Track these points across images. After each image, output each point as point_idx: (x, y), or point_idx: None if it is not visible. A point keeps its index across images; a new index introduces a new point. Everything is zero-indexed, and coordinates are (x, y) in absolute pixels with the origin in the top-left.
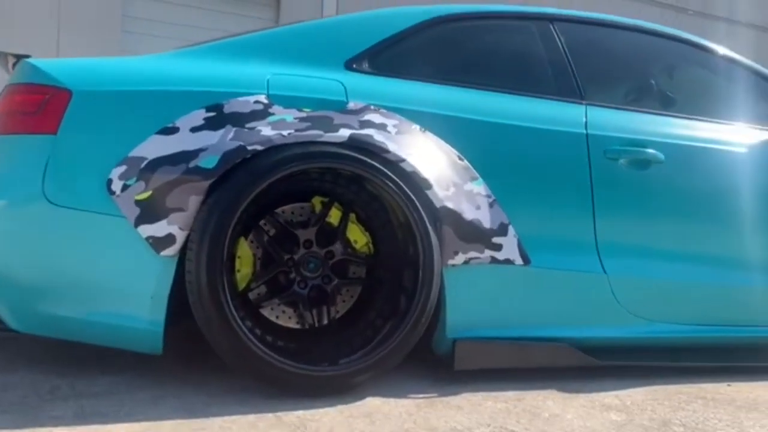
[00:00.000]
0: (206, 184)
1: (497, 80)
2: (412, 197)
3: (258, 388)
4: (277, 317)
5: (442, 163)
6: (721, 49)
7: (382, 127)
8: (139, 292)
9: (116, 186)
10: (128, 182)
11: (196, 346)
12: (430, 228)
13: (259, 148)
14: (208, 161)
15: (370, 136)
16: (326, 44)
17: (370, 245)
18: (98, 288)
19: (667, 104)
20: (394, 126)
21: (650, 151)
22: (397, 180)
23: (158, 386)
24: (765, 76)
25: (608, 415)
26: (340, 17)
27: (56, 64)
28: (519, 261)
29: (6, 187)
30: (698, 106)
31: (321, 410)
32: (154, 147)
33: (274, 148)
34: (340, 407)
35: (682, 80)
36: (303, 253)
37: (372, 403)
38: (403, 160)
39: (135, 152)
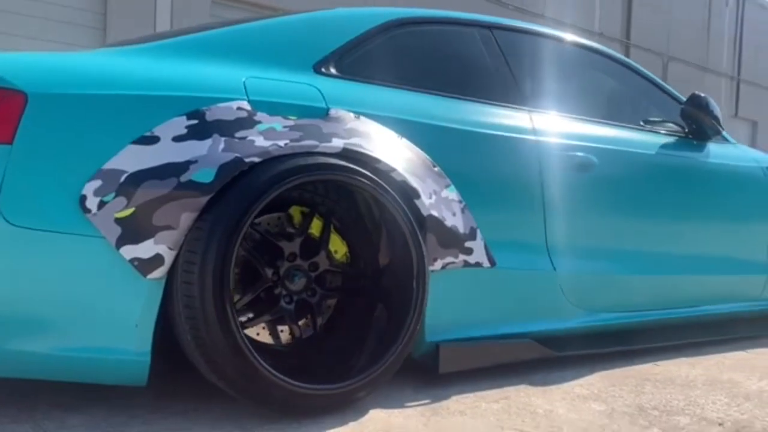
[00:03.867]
0: (203, 200)
1: (456, 86)
2: (405, 208)
3: (254, 412)
4: (257, 334)
5: (421, 171)
6: (636, 65)
7: (366, 135)
8: (121, 320)
9: (91, 203)
10: (105, 198)
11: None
12: (421, 238)
13: (256, 160)
14: (202, 175)
15: (361, 146)
16: (292, 45)
17: (348, 254)
18: (72, 319)
19: (592, 110)
20: (376, 134)
21: (586, 155)
22: (392, 191)
23: (140, 422)
24: (664, 88)
25: (590, 405)
26: (300, 15)
27: (1, 59)
28: (486, 263)
29: None
30: (619, 113)
31: (334, 430)
32: (133, 159)
33: (273, 160)
34: (352, 424)
35: (601, 88)
36: (288, 266)
37: (378, 415)
38: (393, 170)
39: (110, 164)
